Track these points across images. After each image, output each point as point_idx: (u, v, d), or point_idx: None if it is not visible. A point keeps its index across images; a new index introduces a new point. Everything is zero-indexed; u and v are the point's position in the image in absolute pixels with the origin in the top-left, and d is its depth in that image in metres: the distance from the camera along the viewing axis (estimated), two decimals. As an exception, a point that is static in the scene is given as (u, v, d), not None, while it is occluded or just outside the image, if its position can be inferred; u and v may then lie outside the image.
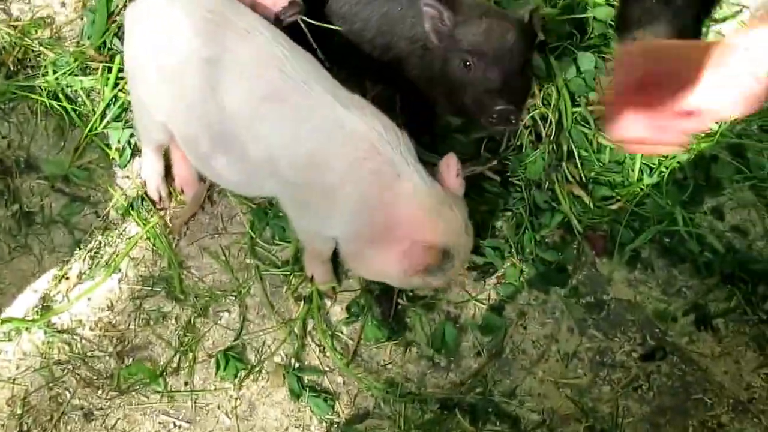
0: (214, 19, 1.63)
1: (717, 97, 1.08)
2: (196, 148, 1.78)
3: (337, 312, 1.94)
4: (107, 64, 2.10)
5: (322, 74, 1.64)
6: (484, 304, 1.95)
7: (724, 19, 2.19)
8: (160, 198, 2.00)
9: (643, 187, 2.03)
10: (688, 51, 1.15)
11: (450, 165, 1.65)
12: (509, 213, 1.98)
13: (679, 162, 2.05)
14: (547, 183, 2.01)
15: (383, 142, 1.58)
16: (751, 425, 1.85)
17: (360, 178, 1.57)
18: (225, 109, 1.62)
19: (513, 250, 1.97)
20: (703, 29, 2.12)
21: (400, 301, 1.96)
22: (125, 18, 1.81)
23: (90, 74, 2.11)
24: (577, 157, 2.03)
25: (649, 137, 1.13)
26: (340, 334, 1.92)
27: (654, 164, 2.04)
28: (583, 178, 2.04)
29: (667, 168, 2.04)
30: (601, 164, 2.05)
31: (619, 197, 2.04)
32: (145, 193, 2.04)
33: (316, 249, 1.90)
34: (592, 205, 2.02)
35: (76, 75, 2.11)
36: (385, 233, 1.59)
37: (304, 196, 1.69)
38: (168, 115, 1.76)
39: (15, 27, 2.17)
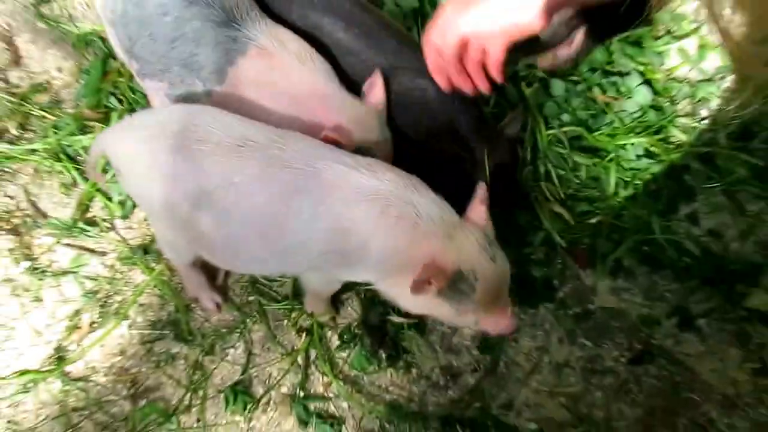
0: (202, 149, 1.59)
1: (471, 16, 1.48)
2: (229, 263, 1.81)
3: (337, 340, 1.98)
4: (103, 124, 2.13)
5: (321, 146, 1.65)
6: None
7: (686, 35, 2.22)
8: (218, 306, 2.00)
9: (619, 200, 2.08)
10: None
11: (481, 193, 1.67)
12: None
13: (652, 173, 2.10)
14: (526, 204, 2.05)
15: (399, 187, 1.60)
16: (740, 419, 1.89)
17: (389, 227, 1.58)
18: (248, 224, 1.62)
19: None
20: (664, 46, 2.20)
21: (394, 318, 1.97)
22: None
23: (88, 132, 2.14)
24: (554, 177, 2.08)
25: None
26: (340, 361, 1.95)
27: (629, 177, 2.09)
28: (562, 196, 2.08)
29: (641, 180, 2.10)
30: (578, 181, 2.10)
31: (597, 211, 2.08)
32: (146, 247, 2.05)
33: (322, 294, 1.93)
34: (572, 221, 2.06)
35: (75, 135, 2.14)
36: (408, 267, 1.59)
37: (333, 258, 1.68)
38: (189, 244, 1.74)
39: (14, 94, 2.21)
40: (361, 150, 1.71)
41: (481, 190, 1.66)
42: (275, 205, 1.58)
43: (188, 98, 1.82)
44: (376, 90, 1.82)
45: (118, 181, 2.02)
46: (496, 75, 1.57)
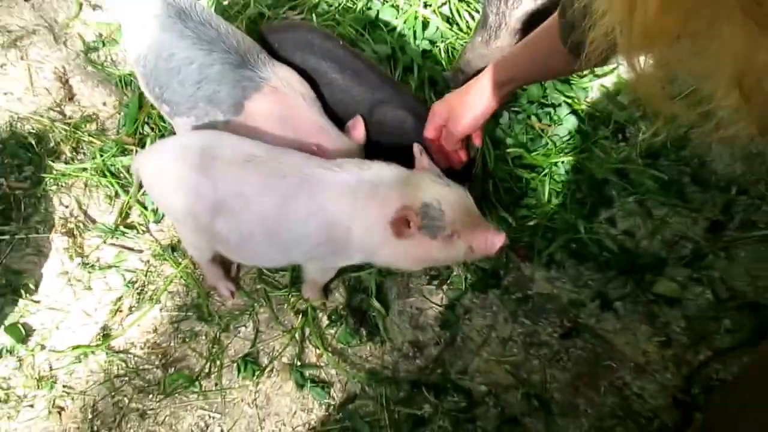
0: (216, 165, 1.70)
1: (464, 117, 1.72)
2: (241, 258, 1.96)
3: (327, 320, 2.12)
4: (139, 147, 2.29)
5: (308, 158, 1.77)
6: (438, 305, 2.13)
7: (605, 74, 2.39)
8: (232, 293, 2.14)
9: (552, 206, 2.23)
10: (455, 95, 1.79)
11: (417, 149, 1.80)
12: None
13: (578, 185, 2.25)
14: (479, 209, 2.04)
15: (358, 172, 1.71)
16: (649, 382, 2.03)
17: (362, 210, 1.69)
18: (256, 224, 1.74)
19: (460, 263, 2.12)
20: (588, 83, 2.37)
21: (374, 303, 2.11)
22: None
23: (128, 154, 2.30)
24: (501, 188, 2.23)
25: (449, 156, 1.87)
26: (329, 337, 2.09)
27: (560, 188, 2.24)
28: (506, 203, 2.22)
29: (569, 191, 2.24)
30: (519, 191, 2.24)
31: (534, 215, 2.22)
32: (174, 246, 2.20)
33: (318, 282, 2.05)
34: (514, 224, 2.20)
35: (117, 156, 2.30)
36: (388, 232, 1.66)
37: (327, 247, 1.77)
38: (211, 242, 1.87)
39: (69, 124, 2.38)
40: None
41: (416, 147, 1.80)
42: (277, 207, 1.70)
43: (209, 127, 1.94)
44: (358, 128, 2.00)
45: (148, 195, 2.20)
46: (480, 142, 1.87)
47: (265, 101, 1.92)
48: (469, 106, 1.72)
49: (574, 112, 2.35)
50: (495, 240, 1.71)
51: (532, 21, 1.96)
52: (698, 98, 0.72)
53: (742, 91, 0.66)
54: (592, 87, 2.42)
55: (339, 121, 2.05)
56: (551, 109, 2.38)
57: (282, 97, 1.92)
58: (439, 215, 1.65)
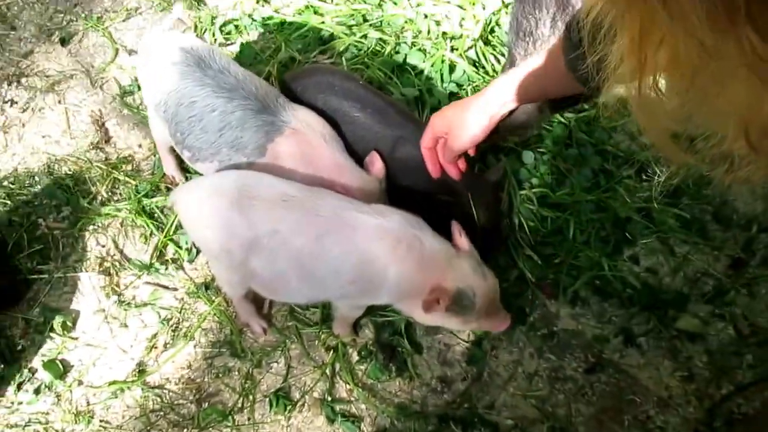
0: (253, 203, 1.75)
1: (463, 135, 1.74)
2: (275, 294, 2.04)
3: (357, 356, 2.16)
4: (173, 188, 2.28)
5: (343, 199, 1.82)
6: (466, 342, 2.18)
7: (628, 115, 2.40)
8: (264, 330, 2.18)
9: (577, 244, 2.27)
10: (455, 110, 1.79)
11: (456, 229, 1.84)
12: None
13: (602, 224, 2.29)
14: (505, 248, 2.24)
15: (407, 225, 1.77)
16: (672, 416, 2.09)
17: (401, 257, 1.73)
18: (290, 262, 1.78)
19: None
20: (612, 123, 2.40)
21: (404, 344, 2.15)
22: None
23: (162, 195, 2.37)
24: (526, 227, 2.28)
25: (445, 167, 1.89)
26: (360, 372, 2.13)
27: (584, 227, 2.28)
28: (532, 242, 2.27)
29: (594, 229, 2.28)
30: (544, 230, 2.29)
31: (559, 253, 2.27)
32: (207, 284, 2.23)
33: (348, 319, 2.09)
34: (540, 262, 2.25)
35: (151, 197, 2.36)
36: (419, 289, 1.72)
37: (359, 286, 1.82)
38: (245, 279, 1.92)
39: (105, 165, 2.44)
40: None
41: (455, 226, 1.85)
42: (311, 245, 1.75)
43: (233, 168, 1.98)
44: (376, 164, 2.06)
45: (184, 230, 2.25)
46: (473, 153, 1.93)
47: (287, 143, 1.96)
48: (468, 124, 1.75)
49: (598, 152, 2.41)
50: (502, 324, 1.88)
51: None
52: (708, 145, 0.74)
53: (749, 140, 0.68)
54: (616, 128, 2.47)
55: (360, 159, 2.11)
56: (575, 150, 2.43)
57: (303, 138, 1.97)
58: (470, 304, 1.75)
